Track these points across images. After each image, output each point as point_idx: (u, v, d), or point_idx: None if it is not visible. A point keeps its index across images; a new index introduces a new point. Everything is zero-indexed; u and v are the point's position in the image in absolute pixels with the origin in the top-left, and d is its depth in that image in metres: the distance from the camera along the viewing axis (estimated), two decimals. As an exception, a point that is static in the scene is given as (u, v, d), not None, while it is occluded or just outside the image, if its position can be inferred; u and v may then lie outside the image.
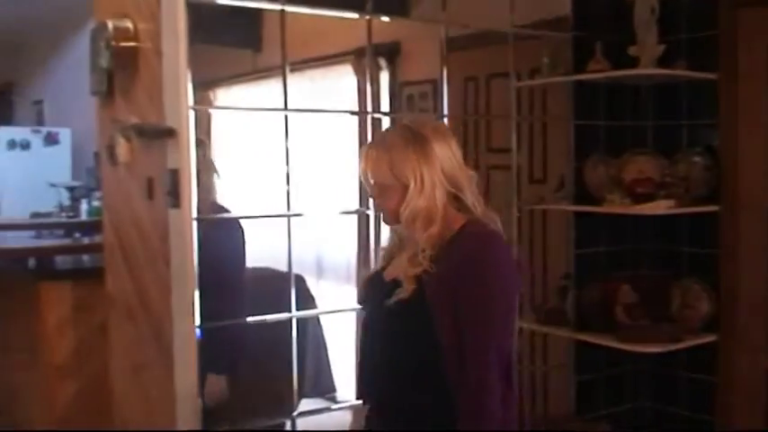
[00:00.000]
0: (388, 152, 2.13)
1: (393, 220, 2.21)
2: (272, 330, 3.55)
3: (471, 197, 2.17)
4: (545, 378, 4.05)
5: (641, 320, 3.61)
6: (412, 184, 2.09)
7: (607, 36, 3.68)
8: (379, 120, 3.83)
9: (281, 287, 3.45)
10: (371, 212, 3.46)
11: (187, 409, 3.04)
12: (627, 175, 3.71)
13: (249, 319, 3.37)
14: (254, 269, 3.84)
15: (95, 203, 5.87)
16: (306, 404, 3.55)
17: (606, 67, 3.60)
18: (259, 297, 3.61)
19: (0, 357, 4.92)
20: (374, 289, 2.28)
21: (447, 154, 2.14)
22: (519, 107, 3.75)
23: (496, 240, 2.15)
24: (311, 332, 4.14)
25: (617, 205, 3.58)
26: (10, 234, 5.43)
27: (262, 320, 3.37)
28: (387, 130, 2.34)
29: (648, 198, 3.55)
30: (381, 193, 2.19)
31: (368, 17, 3.29)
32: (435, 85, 3.84)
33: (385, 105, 4.15)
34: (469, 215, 2.16)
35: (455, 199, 2.16)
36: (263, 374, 3.66)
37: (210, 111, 4.58)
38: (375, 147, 2.20)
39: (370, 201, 3.41)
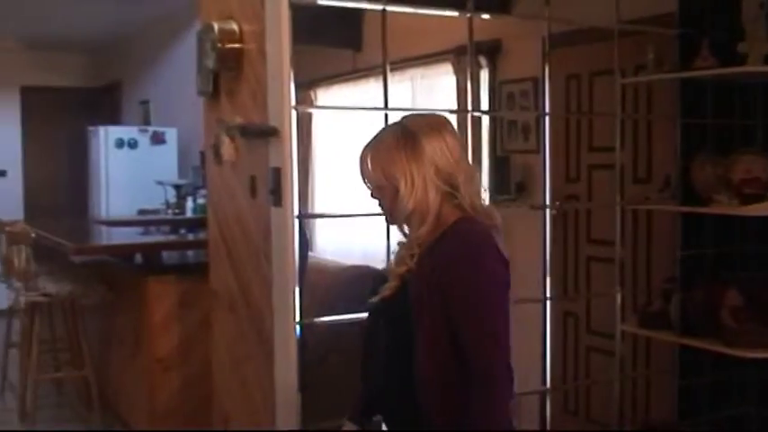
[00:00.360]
0: (378, 153, 2.11)
1: (391, 220, 2.19)
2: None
3: (467, 193, 2.09)
4: (647, 382, 3.95)
5: (748, 324, 3.48)
6: (402, 185, 2.05)
7: (714, 32, 3.56)
8: (479, 118, 3.81)
9: (377, 285, 3.46)
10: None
11: (287, 403, 3.07)
12: (735, 175, 3.58)
13: (347, 316, 3.39)
14: (354, 267, 3.87)
15: (200, 201, 6.01)
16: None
17: (713, 65, 3.49)
18: (357, 295, 3.63)
19: (106, 351, 5.09)
20: (376, 287, 2.25)
21: (440, 150, 2.07)
22: (623, 105, 3.67)
23: (481, 237, 2.06)
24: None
25: (725, 206, 3.47)
26: (119, 230, 5.60)
27: (360, 318, 3.38)
28: (382, 129, 2.26)
29: (757, 199, 3.43)
30: (378, 193, 2.15)
31: (469, 15, 3.27)
32: (536, 82, 3.80)
33: (485, 104, 4.12)
34: (463, 212, 2.09)
35: (452, 195, 2.08)
36: (358, 373, 3.67)
37: (312, 110, 4.65)
38: (368, 148, 2.16)
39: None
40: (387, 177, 2.08)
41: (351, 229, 5.13)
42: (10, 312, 5.48)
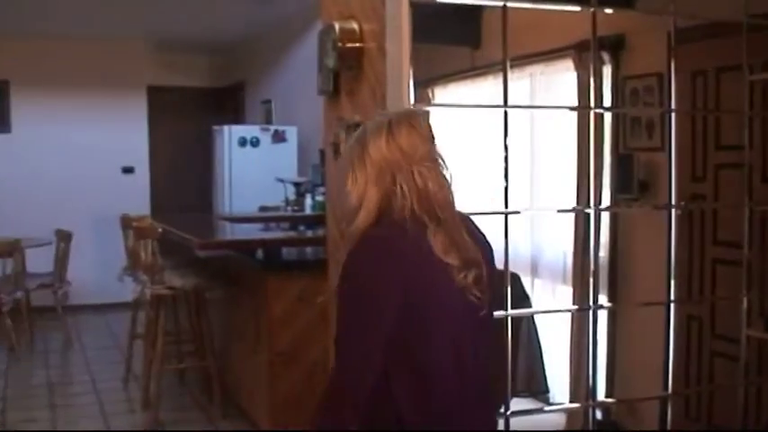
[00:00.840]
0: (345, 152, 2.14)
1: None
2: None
3: (408, 191, 1.98)
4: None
5: None
6: (348, 182, 2.04)
7: None
8: (602, 115, 3.72)
9: (495, 285, 3.44)
10: (591, 211, 3.36)
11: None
12: None
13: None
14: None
15: (319, 198, 6.10)
16: (517, 403, 3.51)
17: None
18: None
19: (228, 343, 5.22)
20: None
21: (383, 146, 2.01)
22: (751, 102, 3.53)
23: (365, 246, 1.97)
24: (525, 331, 4.09)
25: None
26: (241, 226, 5.74)
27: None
28: None
29: None
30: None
31: (592, 10, 3.20)
32: (661, 78, 3.69)
33: (607, 100, 4.03)
34: (388, 216, 2.00)
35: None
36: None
37: (429, 108, 4.65)
38: None
39: (591, 199, 3.34)
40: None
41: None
42: (135, 305, 5.69)
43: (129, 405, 5.36)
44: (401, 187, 1.98)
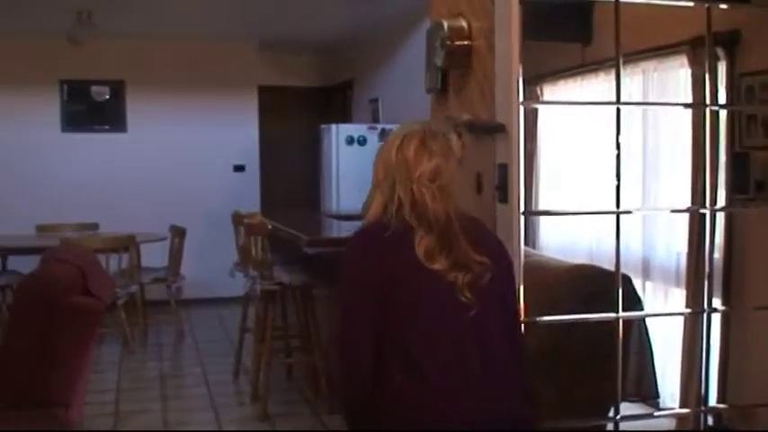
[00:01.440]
0: None
1: None
2: (595, 330, 3.49)
3: (397, 202, 2.29)
4: None
5: None
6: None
7: None
8: (717, 113, 3.62)
9: (605, 286, 3.38)
10: (707, 211, 3.27)
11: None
12: None
13: (571, 316, 3.33)
14: (579, 266, 3.79)
15: (424, 197, 6.10)
16: (627, 408, 3.44)
17: None
18: (582, 295, 3.56)
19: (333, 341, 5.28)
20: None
21: (390, 159, 2.33)
22: None
23: (355, 236, 2.37)
24: (636, 335, 4.00)
25: None
26: (348, 224, 5.79)
27: (585, 319, 3.32)
28: None
29: None
30: None
31: (707, 5, 3.11)
32: (780, 75, 3.56)
33: (722, 98, 3.91)
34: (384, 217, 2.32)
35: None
36: (583, 374, 3.60)
37: (539, 106, 4.60)
38: None
39: (706, 199, 3.25)
40: None
41: (576, 227, 5.04)
42: (246, 300, 5.82)
43: (238, 398, 5.48)
44: (398, 195, 2.28)
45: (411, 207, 2.26)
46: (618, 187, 3.02)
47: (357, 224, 5.78)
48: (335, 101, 10.34)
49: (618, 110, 3.02)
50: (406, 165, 2.30)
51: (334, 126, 7.74)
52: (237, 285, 5.92)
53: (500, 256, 2.38)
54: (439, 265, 2.20)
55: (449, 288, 2.21)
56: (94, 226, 7.76)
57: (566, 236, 5.09)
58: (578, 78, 4.87)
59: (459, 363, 2.21)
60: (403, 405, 2.19)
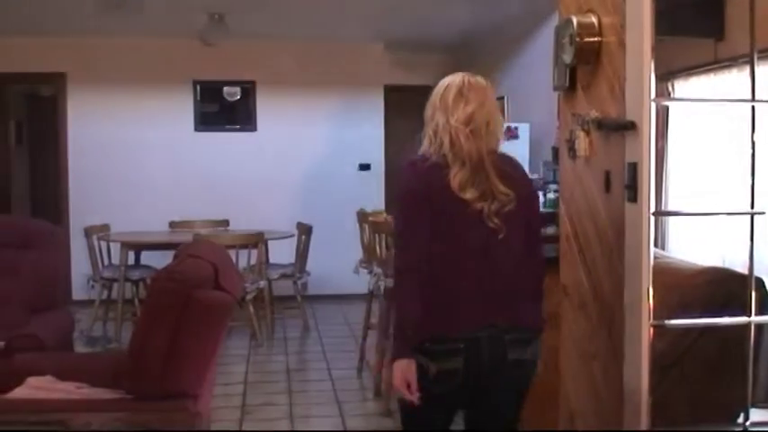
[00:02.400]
0: None
1: None
2: (726, 334, 3.37)
3: (436, 141, 2.76)
4: None
5: None
6: None
7: None
8: None
9: (737, 290, 3.27)
10: None
11: (635, 406, 2.99)
12: None
13: (701, 320, 3.23)
14: (711, 269, 3.66)
15: (550, 196, 6.03)
16: (756, 414, 3.31)
17: None
18: (714, 300, 3.44)
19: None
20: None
21: (435, 103, 2.87)
22: None
23: (404, 166, 2.81)
24: (766, 340, 3.84)
25: None
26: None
27: (715, 323, 3.21)
28: None
29: None
30: None
31: None
32: None
33: None
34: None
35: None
36: (713, 379, 3.49)
37: (670, 103, 4.47)
38: None
39: None
40: None
41: (707, 228, 4.87)
42: (369, 297, 5.87)
43: (362, 393, 5.55)
44: (439, 135, 2.74)
45: (450, 146, 2.71)
46: (752, 187, 2.90)
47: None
48: (460, 99, 10.32)
49: (753, 107, 2.91)
50: (446, 110, 2.78)
51: (458, 125, 7.72)
52: (362, 282, 5.98)
53: (523, 187, 2.84)
54: (470, 195, 2.66)
55: (477, 214, 2.67)
56: (225, 222, 8.00)
57: (698, 238, 4.93)
58: (710, 75, 4.71)
59: (473, 274, 2.69)
60: (432, 315, 2.64)
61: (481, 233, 2.67)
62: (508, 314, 2.74)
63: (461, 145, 2.69)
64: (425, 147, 2.79)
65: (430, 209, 2.65)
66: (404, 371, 2.63)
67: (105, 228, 7.53)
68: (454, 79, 2.87)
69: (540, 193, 6.21)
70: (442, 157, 2.71)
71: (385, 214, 5.25)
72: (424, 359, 2.65)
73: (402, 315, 2.70)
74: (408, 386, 2.62)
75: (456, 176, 2.66)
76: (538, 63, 7.33)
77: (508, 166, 2.80)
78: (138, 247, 7.45)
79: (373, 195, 8.84)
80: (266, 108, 9.01)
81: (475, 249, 2.69)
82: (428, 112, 2.86)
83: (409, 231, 2.69)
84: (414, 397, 2.63)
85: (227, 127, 8.95)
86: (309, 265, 7.58)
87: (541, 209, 6.10)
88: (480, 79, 2.89)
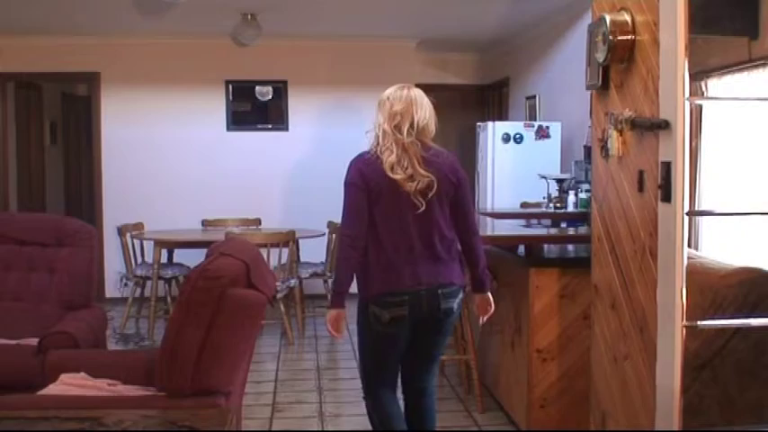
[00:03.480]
0: None
1: None
2: (760, 335, 3.34)
3: (376, 139, 3.49)
4: None
5: None
6: None
7: None
8: None
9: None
10: None
11: (666, 406, 2.98)
12: None
13: (734, 321, 3.20)
14: (745, 269, 3.62)
15: (582, 195, 6.00)
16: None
17: None
18: (748, 300, 3.41)
19: (487, 337, 5.26)
20: None
21: (377, 108, 3.57)
22: None
23: (351, 162, 3.49)
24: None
25: None
26: (502, 222, 5.76)
27: (747, 324, 3.18)
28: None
29: None
30: None
31: None
32: None
33: None
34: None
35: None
36: (746, 379, 3.46)
37: (704, 102, 4.43)
38: None
39: None
40: None
41: (741, 228, 4.82)
42: (400, 295, 5.87)
43: (391, 392, 5.55)
44: (378, 134, 3.46)
45: (382, 139, 3.43)
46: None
47: (511, 222, 5.78)
48: (492, 98, 10.30)
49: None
50: (381, 112, 3.48)
51: (490, 123, 7.71)
52: (391, 281, 5.97)
53: (450, 173, 3.47)
54: (399, 176, 3.35)
55: (405, 193, 3.37)
56: (257, 221, 8.04)
57: (732, 238, 4.89)
58: (744, 73, 4.66)
59: (407, 243, 3.41)
60: (372, 273, 3.44)
61: (411, 209, 3.39)
62: (439, 274, 3.46)
63: (389, 137, 3.41)
64: (371, 144, 3.50)
65: (368, 194, 3.39)
66: (334, 318, 3.60)
67: (139, 226, 7.60)
68: (391, 89, 3.55)
69: (572, 193, 6.19)
70: (379, 149, 3.42)
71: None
72: (379, 309, 3.45)
73: (338, 277, 3.47)
74: (337, 330, 3.64)
75: (387, 161, 3.37)
76: (570, 62, 7.30)
77: (435, 157, 3.45)
78: (171, 246, 7.51)
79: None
80: (298, 107, 9.03)
81: (408, 222, 3.41)
82: (375, 118, 3.53)
83: (350, 216, 3.41)
84: (338, 336, 3.66)
85: (259, 126, 8.98)
86: (340, 264, 7.59)
87: (573, 209, 6.08)
88: (413, 89, 3.57)
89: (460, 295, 3.56)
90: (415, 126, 3.43)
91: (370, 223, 3.40)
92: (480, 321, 3.84)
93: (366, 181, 3.38)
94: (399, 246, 3.41)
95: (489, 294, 3.73)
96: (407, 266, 3.41)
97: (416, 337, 3.55)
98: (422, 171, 3.36)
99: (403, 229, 3.41)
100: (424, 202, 3.37)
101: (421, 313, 3.44)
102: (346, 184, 3.45)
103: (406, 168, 3.36)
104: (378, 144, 3.44)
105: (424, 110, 3.50)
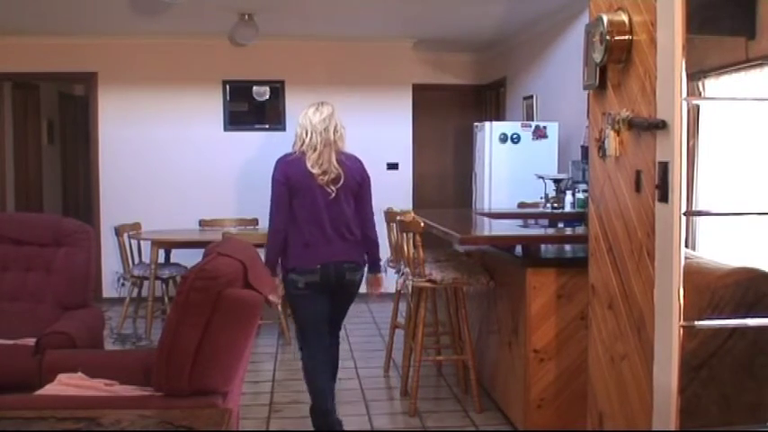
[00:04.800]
0: None
1: None
2: (758, 335, 3.34)
3: (299, 143, 4.44)
4: None
5: None
6: None
7: None
8: None
9: (766, 290, 3.25)
10: None
11: (664, 406, 2.98)
12: None
13: (731, 321, 3.20)
14: (742, 270, 3.63)
15: (579, 195, 6.00)
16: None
17: None
18: (746, 300, 3.41)
19: (484, 337, 5.27)
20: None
21: (303, 118, 4.48)
22: None
23: (276, 162, 4.43)
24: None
25: None
26: (499, 222, 5.76)
27: (744, 324, 3.18)
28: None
29: None
30: None
31: None
32: None
33: None
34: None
35: None
36: (744, 379, 3.46)
37: (701, 102, 4.43)
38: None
39: None
40: None
41: (739, 228, 4.83)
42: (397, 296, 5.87)
43: (388, 392, 5.55)
44: (299, 137, 4.40)
45: (307, 141, 4.36)
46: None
47: (508, 223, 5.79)
48: (489, 98, 10.31)
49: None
50: (303, 121, 4.41)
51: (487, 124, 7.71)
52: (389, 281, 5.97)
53: (356, 173, 4.44)
54: (316, 170, 4.30)
55: (320, 185, 4.31)
56: (254, 221, 8.03)
57: (728, 238, 4.89)
58: (741, 73, 4.66)
59: (325, 230, 4.35)
60: (293, 250, 4.36)
61: (324, 198, 4.32)
62: (345, 252, 4.42)
63: (310, 140, 4.35)
64: (294, 147, 4.43)
65: (289, 189, 4.31)
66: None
67: (136, 226, 7.59)
68: (312, 105, 4.48)
69: (569, 193, 6.19)
70: (302, 151, 4.36)
71: (413, 213, 5.24)
72: (296, 276, 4.37)
73: (267, 258, 4.34)
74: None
75: (309, 159, 4.32)
76: (567, 62, 7.30)
77: (346, 159, 4.41)
78: (169, 246, 7.51)
79: (401, 194, 8.84)
80: (295, 107, 8.94)
81: (321, 210, 4.33)
82: (296, 128, 4.46)
83: (276, 209, 4.36)
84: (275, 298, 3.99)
85: (257, 126, 8.97)
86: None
87: (570, 209, 6.09)
88: (328, 105, 4.48)
89: (361, 270, 4.54)
90: (331, 133, 4.36)
91: (291, 211, 4.33)
92: (370, 296, 4.93)
93: (288, 177, 4.32)
94: (314, 229, 4.33)
95: (381, 275, 4.72)
96: (320, 245, 4.34)
97: (330, 300, 4.49)
98: (334, 167, 4.32)
99: (317, 215, 4.33)
100: (334, 190, 4.32)
101: (329, 281, 4.38)
102: (273, 181, 4.36)
103: (322, 164, 4.31)
104: (301, 146, 4.36)
105: (337, 122, 4.44)
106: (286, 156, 4.40)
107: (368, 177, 4.48)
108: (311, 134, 4.34)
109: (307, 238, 4.32)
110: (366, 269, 4.60)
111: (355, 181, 4.41)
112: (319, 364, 4.52)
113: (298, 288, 4.38)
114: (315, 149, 4.31)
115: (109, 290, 8.44)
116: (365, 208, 4.49)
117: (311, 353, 4.53)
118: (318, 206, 4.31)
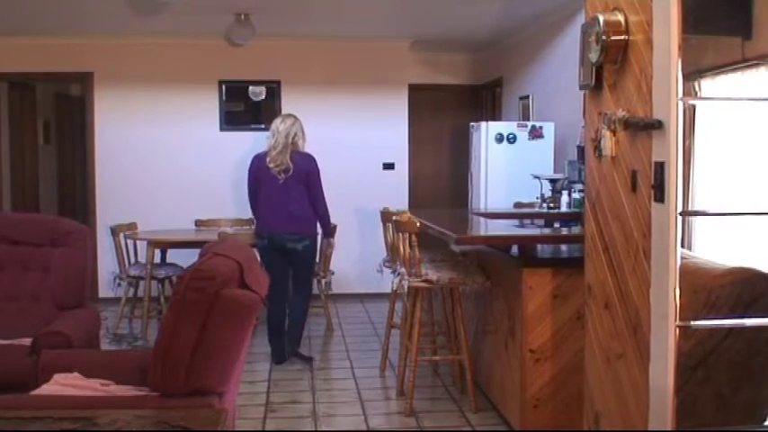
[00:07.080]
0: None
1: None
2: (754, 335, 3.34)
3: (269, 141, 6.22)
4: None
5: None
6: None
7: None
8: None
9: (762, 290, 3.25)
10: None
11: (660, 406, 2.98)
12: None
13: (727, 321, 3.21)
14: (739, 270, 3.63)
15: (575, 195, 6.00)
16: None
17: None
18: (742, 300, 3.41)
19: (481, 337, 5.27)
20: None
21: (274, 125, 6.27)
22: None
23: (252, 160, 6.28)
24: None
25: None
26: (496, 222, 5.76)
27: (740, 324, 3.19)
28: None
29: None
30: None
31: None
32: None
33: None
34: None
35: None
36: (740, 379, 3.46)
37: (697, 102, 4.44)
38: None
39: None
40: None
41: (735, 228, 4.84)
42: (393, 296, 5.88)
43: (384, 392, 5.55)
44: (269, 139, 6.16)
45: (272, 143, 6.02)
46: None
47: (505, 223, 5.79)
48: (485, 98, 10.31)
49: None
50: (272, 126, 6.11)
51: (483, 123, 7.72)
52: (386, 281, 5.98)
53: (305, 167, 6.04)
54: (273, 165, 6.00)
55: (275, 175, 6.00)
56: (250, 221, 8.02)
57: (725, 238, 4.90)
58: (738, 73, 4.67)
59: (274, 207, 6.03)
60: (257, 220, 6.31)
61: (277, 185, 6.02)
62: (288, 225, 6.05)
63: (275, 141, 6.05)
64: (267, 145, 6.11)
65: (256, 180, 6.13)
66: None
67: (132, 226, 7.59)
68: (280, 116, 6.24)
69: (565, 193, 6.20)
70: (268, 149, 6.06)
71: (409, 214, 5.24)
72: (259, 239, 6.15)
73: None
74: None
75: (269, 155, 6.04)
76: (563, 62, 7.31)
77: (298, 156, 6.06)
78: (165, 246, 7.50)
79: (397, 194, 8.84)
80: (291, 107, 8.91)
81: (274, 193, 6.03)
82: (269, 134, 6.17)
83: (249, 195, 6.26)
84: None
85: (253, 126, 8.95)
86: (333, 264, 7.60)
87: (566, 209, 6.10)
88: (292, 117, 6.20)
89: (305, 241, 6.09)
90: (290, 138, 6.06)
91: (256, 194, 6.16)
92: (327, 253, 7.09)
93: (254, 171, 6.18)
94: (266, 206, 6.08)
95: (333, 240, 6.75)
96: (269, 218, 6.09)
97: (287, 262, 6.13)
98: (288, 162, 5.99)
99: (272, 197, 6.04)
100: (284, 178, 5.99)
101: (275, 246, 6.08)
102: (248, 174, 6.24)
103: (277, 159, 6.01)
104: (269, 146, 6.06)
105: (298, 129, 6.13)
106: (258, 154, 6.22)
107: (315, 170, 6.12)
108: (276, 137, 6.05)
109: (261, 211, 6.15)
110: (320, 236, 6.43)
111: (303, 172, 6.03)
112: (277, 321, 6.23)
113: (263, 248, 6.13)
114: (276, 149, 6.03)
115: (105, 290, 8.43)
116: (315, 193, 6.09)
117: (271, 309, 6.18)
118: (272, 190, 6.03)
